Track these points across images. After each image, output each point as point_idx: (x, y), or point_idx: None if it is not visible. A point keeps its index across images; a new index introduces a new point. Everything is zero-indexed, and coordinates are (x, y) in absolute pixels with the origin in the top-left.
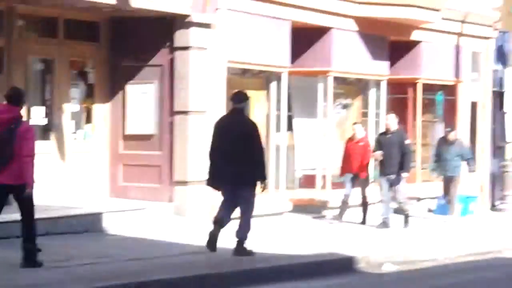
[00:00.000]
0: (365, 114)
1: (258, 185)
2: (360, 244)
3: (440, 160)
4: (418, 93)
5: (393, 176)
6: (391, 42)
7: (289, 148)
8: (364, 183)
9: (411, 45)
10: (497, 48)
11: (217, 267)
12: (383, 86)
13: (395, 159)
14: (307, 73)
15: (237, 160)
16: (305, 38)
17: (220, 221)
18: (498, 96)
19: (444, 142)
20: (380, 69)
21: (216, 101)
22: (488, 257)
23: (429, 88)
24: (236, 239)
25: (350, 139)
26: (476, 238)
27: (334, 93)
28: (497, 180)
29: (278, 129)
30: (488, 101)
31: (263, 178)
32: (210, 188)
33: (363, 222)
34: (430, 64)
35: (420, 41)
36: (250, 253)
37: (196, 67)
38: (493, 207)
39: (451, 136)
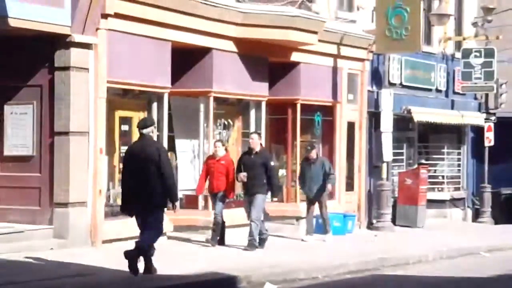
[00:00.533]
0: (245, 135)
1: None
2: (241, 264)
3: (305, 180)
4: (297, 114)
5: (255, 197)
6: (270, 63)
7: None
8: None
9: (290, 66)
10: (373, 69)
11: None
12: (263, 106)
13: (259, 180)
14: (188, 94)
15: (146, 185)
16: (186, 59)
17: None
18: (374, 117)
19: (306, 161)
20: (260, 90)
21: (97, 122)
22: (367, 274)
23: (308, 109)
24: (137, 247)
25: (211, 157)
26: (354, 256)
27: (215, 113)
28: (373, 198)
29: None
30: (364, 121)
31: (175, 200)
32: (123, 213)
33: (221, 243)
34: (308, 85)
35: (299, 63)
36: (155, 271)
37: (77, 87)
38: (371, 225)
39: (312, 155)
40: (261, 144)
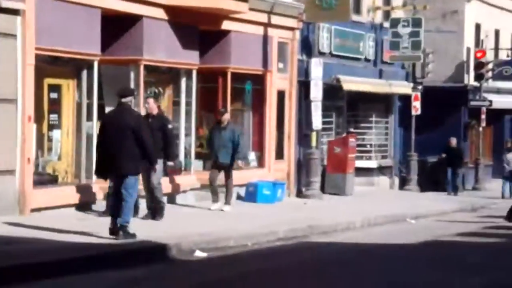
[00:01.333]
0: (176, 103)
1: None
2: (170, 232)
3: (213, 145)
4: (227, 82)
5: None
6: (201, 31)
7: None
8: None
9: (221, 35)
10: (303, 38)
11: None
12: (194, 75)
13: (156, 144)
14: (118, 62)
15: (122, 151)
16: (116, 27)
17: (112, 211)
18: (304, 85)
19: (217, 127)
20: (191, 58)
21: (25, 89)
22: (296, 242)
23: (238, 78)
24: (119, 224)
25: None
26: (284, 224)
27: (145, 81)
28: (303, 167)
29: (89, 118)
30: (294, 90)
31: (155, 163)
32: (98, 177)
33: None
34: (239, 54)
35: (230, 31)
36: (133, 235)
37: (4, 54)
38: (300, 193)
39: (224, 119)
40: (159, 107)
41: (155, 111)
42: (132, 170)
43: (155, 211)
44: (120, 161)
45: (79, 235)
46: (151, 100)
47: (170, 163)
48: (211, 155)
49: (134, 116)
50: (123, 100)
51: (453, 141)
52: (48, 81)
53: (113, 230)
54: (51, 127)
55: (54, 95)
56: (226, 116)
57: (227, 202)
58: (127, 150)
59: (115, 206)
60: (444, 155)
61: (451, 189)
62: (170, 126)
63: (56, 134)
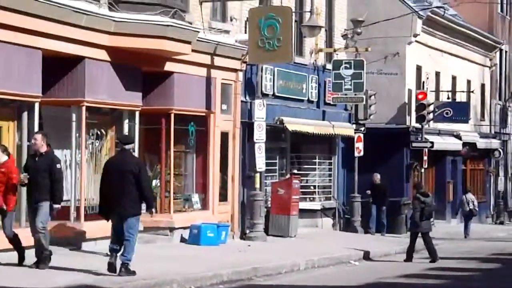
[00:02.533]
0: (118, 144)
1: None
2: (113, 276)
3: None
4: (171, 124)
5: (39, 205)
6: (144, 72)
7: None
8: (10, 216)
9: (164, 76)
10: (246, 80)
11: None
12: (137, 116)
13: (43, 186)
14: (60, 103)
15: (124, 194)
16: (58, 68)
17: (112, 250)
18: (247, 127)
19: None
20: (134, 100)
21: None
22: (240, 285)
23: (182, 119)
24: (121, 262)
25: None
26: (228, 266)
27: (87, 123)
28: (247, 208)
29: None
30: (237, 131)
31: (152, 207)
32: (101, 216)
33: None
34: (182, 95)
35: (173, 72)
36: (133, 273)
37: None
38: (244, 235)
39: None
40: (48, 146)
41: (42, 149)
42: (133, 212)
43: (39, 259)
44: (122, 203)
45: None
46: (38, 137)
47: (56, 206)
48: None
49: (135, 162)
50: (126, 147)
51: (377, 177)
52: None
53: (113, 267)
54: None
55: None
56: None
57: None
58: (129, 193)
59: (115, 243)
60: (368, 192)
61: (377, 228)
62: (58, 166)
63: None
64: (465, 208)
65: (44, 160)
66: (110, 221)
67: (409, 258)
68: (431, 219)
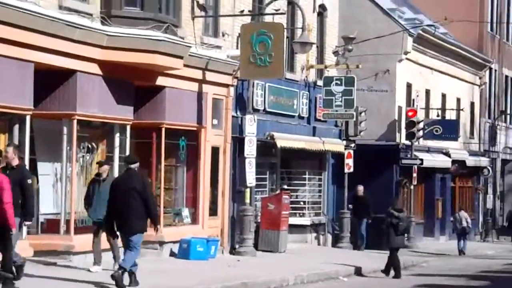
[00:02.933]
0: (110, 158)
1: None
2: None
3: (91, 201)
4: (162, 138)
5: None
6: (136, 87)
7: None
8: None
9: (156, 90)
10: (237, 95)
11: None
12: (128, 130)
13: (15, 201)
14: (51, 116)
15: (129, 212)
16: (49, 81)
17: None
18: (238, 142)
19: (96, 178)
20: (125, 113)
21: None
22: None
23: (172, 133)
24: (120, 270)
25: None
26: (217, 281)
27: (78, 136)
28: (237, 223)
29: None
30: (228, 146)
31: (157, 223)
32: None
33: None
34: (173, 110)
35: (165, 87)
36: (137, 283)
37: None
38: (233, 250)
39: (103, 171)
40: (20, 159)
41: (14, 162)
42: (139, 229)
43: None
44: (128, 220)
45: None
46: (10, 149)
47: (27, 223)
48: (88, 212)
49: (140, 180)
50: (132, 166)
51: (360, 189)
52: None
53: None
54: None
55: None
56: (105, 168)
57: (98, 262)
58: (134, 210)
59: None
60: (350, 206)
61: (358, 240)
62: (29, 181)
63: None
64: (458, 226)
65: (15, 174)
66: (116, 238)
67: (387, 271)
68: (405, 235)
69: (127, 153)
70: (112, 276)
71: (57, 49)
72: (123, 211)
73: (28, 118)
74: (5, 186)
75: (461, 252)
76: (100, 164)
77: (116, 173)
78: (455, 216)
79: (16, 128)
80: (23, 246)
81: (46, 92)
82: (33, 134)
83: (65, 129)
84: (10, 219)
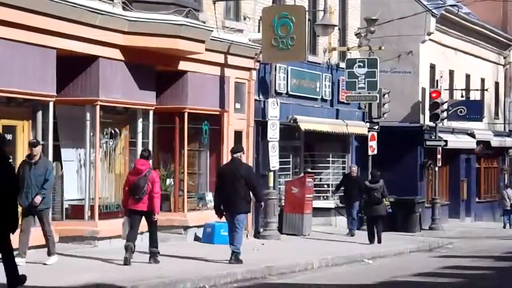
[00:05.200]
0: (133, 144)
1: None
2: (130, 275)
3: (22, 185)
4: (184, 123)
5: None
6: (158, 72)
7: (56, 178)
8: None
9: (178, 75)
10: (259, 79)
11: None
12: (151, 115)
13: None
14: (74, 102)
15: (236, 195)
16: (72, 67)
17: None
18: (261, 126)
19: (27, 160)
20: (148, 99)
21: None
22: (254, 283)
23: (195, 118)
24: (232, 251)
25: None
26: (241, 265)
27: (101, 122)
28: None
29: None
30: (251, 130)
31: (262, 201)
32: (217, 215)
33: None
34: (196, 94)
35: (187, 71)
36: (241, 261)
37: None
38: (258, 234)
39: (35, 153)
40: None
41: (37, 157)
42: (243, 209)
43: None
44: (234, 202)
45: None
46: (37, 148)
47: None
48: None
49: (245, 167)
50: (235, 155)
51: (354, 169)
52: (2, 122)
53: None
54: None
55: (8, 136)
56: (38, 150)
57: (49, 253)
58: (240, 193)
59: (230, 236)
60: (342, 188)
61: (350, 226)
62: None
63: None
64: (506, 203)
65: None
66: (225, 217)
67: (370, 240)
68: (386, 204)
69: (150, 138)
70: (230, 262)
71: (79, 35)
72: (230, 195)
73: (51, 105)
74: (156, 179)
75: (505, 225)
76: (32, 145)
77: (49, 156)
78: (503, 193)
79: (39, 114)
80: None
81: (68, 78)
82: (56, 120)
83: (88, 115)
84: (157, 207)
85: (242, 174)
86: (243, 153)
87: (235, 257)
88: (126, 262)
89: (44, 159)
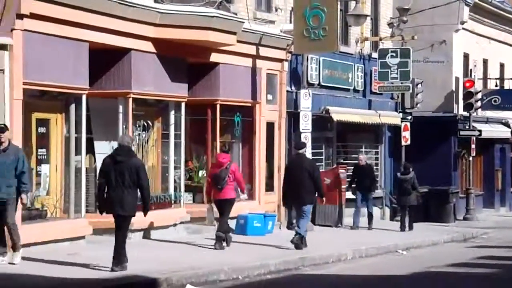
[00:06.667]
0: (165, 136)
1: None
2: (164, 266)
3: None
4: (216, 114)
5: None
6: (189, 64)
7: (90, 170)
8: None
9: (210, 67)
10: (291, 70)
11: None
12: (183, 107)
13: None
14: (107, 95)
15: (302, 187)
16: (104, 60)
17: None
18: (293, 117)
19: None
20: (180, 91)
21: (13, 124)
22: (288, 274)
23: (227, 109)
24: (297, 235)
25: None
26: (275, 257)
27: (134, 114)
28: None
29: (78, 152)
30: (283, 121)
31: (323, 195)
32: (284, 205)
33: None
34: (228, 86)
35: (218, 63)
36: (305, 245)
37: None
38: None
39: (3, 140)
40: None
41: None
42: (308, 201)
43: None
44: (301, 194)
45: (76, 267)
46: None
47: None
48: None
49: (309, 162)
50: (300, 151)
51: (363, 158)
52: (36, 115)
53: (298, 245)
54: (39, 162)
55: (42, 130)
56: (6, 135)
57: (16, 249)
58: (306, 186)
59: (297, 220)
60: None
61: (357, 221)
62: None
63: (44, 168)
64: None
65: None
66: (292, 207)
67: (402, 228)
68: (417, 194)
69: (182, 130)
70: (292, 241)
71: (111, 28)
72: (297, 187)
73: (84, 98)
74: (237, 170)
75: None
76: (0, 130)
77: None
78: None
79: (72, 107)
80: (83, 224)
81: (101, 71)
82: (89, 113)
83: (120, 108)
84: (243, 189)
85: (307, 168)
86: (305, 148)
87: (298, 237)
88: (219, 247)
89: (14, 146)
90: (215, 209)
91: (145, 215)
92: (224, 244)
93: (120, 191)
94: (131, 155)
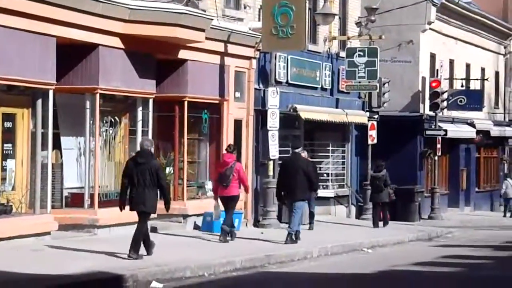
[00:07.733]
0: (133, 132)
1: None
2: (129, 263)
3: None
4: (184, 111)
5: None
6: (158, 60)
7: (56, 166)
8: None
9: (178, 63)
10: (259, 68)
11: None
12: (150, 103)
13: None
14: (74, 90)
15: (295, 184)
16: (72, 55)
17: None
18: (261, 114)
19: None
20: (147, 87)
21: None
22: (253, 272)
23: (195, 106)
24: (288, 232)
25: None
26: (241, 254)
27: (101, 110)
28: (260, 196)
29: (44, 147)
30: (251, 119)
31: (316, 190)
32: (279, 203)
33: None
34: (196, 83)
35: (187, 60)
36: (296, 241)
37: None
38: (257, 223)
39: None
40: None
41: None
42: (301, 197)
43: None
44: (294, 190)
45: (39, 263)
46: None
47: None
48: None
49: (304, 161)
50: (296, 150)
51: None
52: (2, 110)
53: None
54: (5, 157)
55: (8, 124)
56: None
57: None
58: (300, 183)
59: (289, 221)
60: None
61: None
62: None
63: (10, 163)
64: (507, 191)
65: None
66: (285, 205)
67: (375, 224)
68: (389, 191)
69: (150, 126)
70: (286, 243)
71: (79, 23)
72: (290, 184)
73: (51, 93)
74: (241, 168)
75: (505, 214)
76: None
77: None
78: (506, 182)
79: (39, 102)
80: (48, 219)
81: (68, 66)
82: (56, 108)
83: (88, 103)
84: (247, 187)
85: (301, 165)
86: (302, 148)
87: (290, 238)
88: (224, 240)
89: None
90: (221, 205)
91: (167, 210)
92: (229, 238)
93: (142, 191)
94: (151, 158)
